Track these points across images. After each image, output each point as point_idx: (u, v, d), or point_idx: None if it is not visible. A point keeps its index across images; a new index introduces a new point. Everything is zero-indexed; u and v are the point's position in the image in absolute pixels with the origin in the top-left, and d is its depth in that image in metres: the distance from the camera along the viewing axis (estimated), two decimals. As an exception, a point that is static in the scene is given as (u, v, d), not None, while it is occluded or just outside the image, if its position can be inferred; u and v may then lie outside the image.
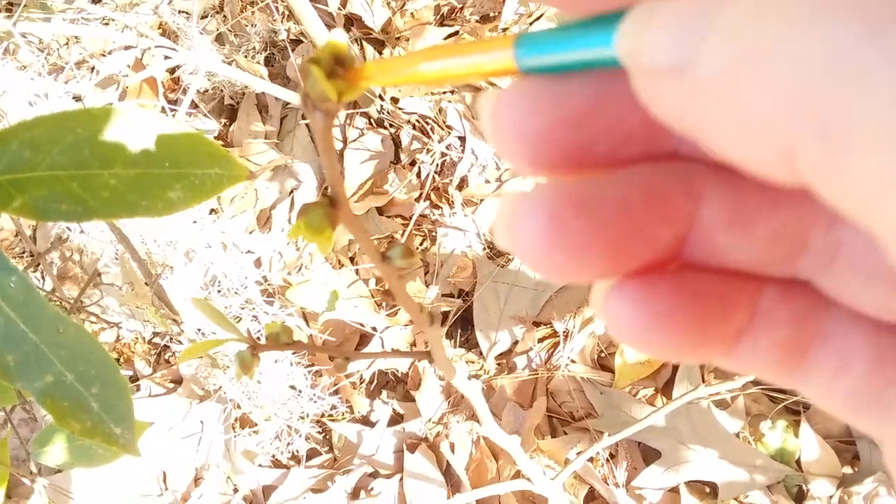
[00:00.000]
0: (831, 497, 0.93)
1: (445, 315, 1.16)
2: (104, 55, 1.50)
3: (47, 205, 0.36)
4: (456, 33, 1.32)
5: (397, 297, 0.28)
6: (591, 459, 1.01)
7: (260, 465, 1.13)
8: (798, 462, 0.96)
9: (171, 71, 1.46)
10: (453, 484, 1.05)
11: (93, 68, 1.46)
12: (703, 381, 1.01)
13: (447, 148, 1.24)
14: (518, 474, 1.02)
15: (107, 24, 1.33)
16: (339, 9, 1.36)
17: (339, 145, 1.32)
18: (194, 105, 1.40)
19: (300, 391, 1.09)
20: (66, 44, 1.53)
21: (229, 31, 1.43)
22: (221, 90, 1.42)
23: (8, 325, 0.33)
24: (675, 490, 0.98)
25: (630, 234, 0.14)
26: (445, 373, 0.38)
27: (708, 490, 0.97)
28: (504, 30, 1.29)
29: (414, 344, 1.15)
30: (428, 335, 0.34)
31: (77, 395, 0.34)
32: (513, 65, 0.15)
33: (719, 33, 0.11)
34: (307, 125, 1.36)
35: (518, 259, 0.14)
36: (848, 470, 0.95)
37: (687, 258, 0.15)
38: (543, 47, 0.14)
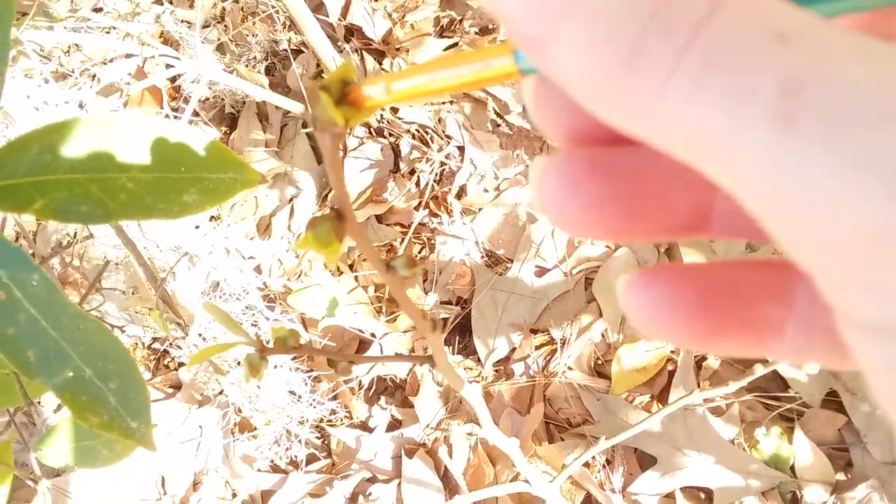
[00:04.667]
0: (825, 503, 0.94)
1: (444, 322, 1.17)
2: (105, 63, 1.52)
3: (67, 207, 0.37)
4: (455, 45, 1.33)
5: (401, 304, 0.29)
6: (587, 465, 1.02)
7: (259, 470, 1.13)
8: (792, 468, 0.97)
9: (173, 80, 1.47)
10: (451, 489, 1.06)
11: (94, 76, 1.48)
12: (700, 389, 1.03)
13: (446, 157, 1.26)
14: (516, 478, 1.03)
15: (108, 32, 1.34)
16: (339, 20, 1.38)
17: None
18: (195, 114, 1.41)
19: (299, 396, 1.10)
20: (68, 52, 1.55)
21: (230, 40, 1.45)
22: (222, 99, 1.43)
23: (29, 321, 0.35)
24: (670, 496, 0.99)
25: (642, 197, 0.15)
26: (447, 377, 0.39)
27: (703, 496, 0.98)
28: (503, 41, 1.31)
29: (413, 350, 1.16)
30: (430, 341, 0.35)
31: (95, 390, 0.35)
32: (514, 68, 0.16)
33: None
34: (307, 134, 1.37)
35: (546, 218, 0.16)
36: (841, 476, 0.96)
37: (717, 230, 0.16)
38: None
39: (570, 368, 1.09)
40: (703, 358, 1.05)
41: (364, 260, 1.26)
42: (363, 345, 1.19)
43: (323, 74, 1.29)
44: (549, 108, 0.16)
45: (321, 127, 0.18)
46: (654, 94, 0.12)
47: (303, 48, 1.41)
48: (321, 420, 1.14)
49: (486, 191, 1.24)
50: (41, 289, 0.35)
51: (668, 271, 0.15)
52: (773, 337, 0.15)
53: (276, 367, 1.07)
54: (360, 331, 1.17)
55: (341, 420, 1.15)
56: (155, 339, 1.24)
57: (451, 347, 1.16)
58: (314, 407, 1.11)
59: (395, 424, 1.14)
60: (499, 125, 1.28)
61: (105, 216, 0.37)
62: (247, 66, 1.42)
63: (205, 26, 1.46)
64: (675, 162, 0.14)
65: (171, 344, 1.17)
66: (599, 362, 1.09)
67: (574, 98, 0.14)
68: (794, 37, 0.12)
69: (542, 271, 1.15)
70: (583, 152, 0.16)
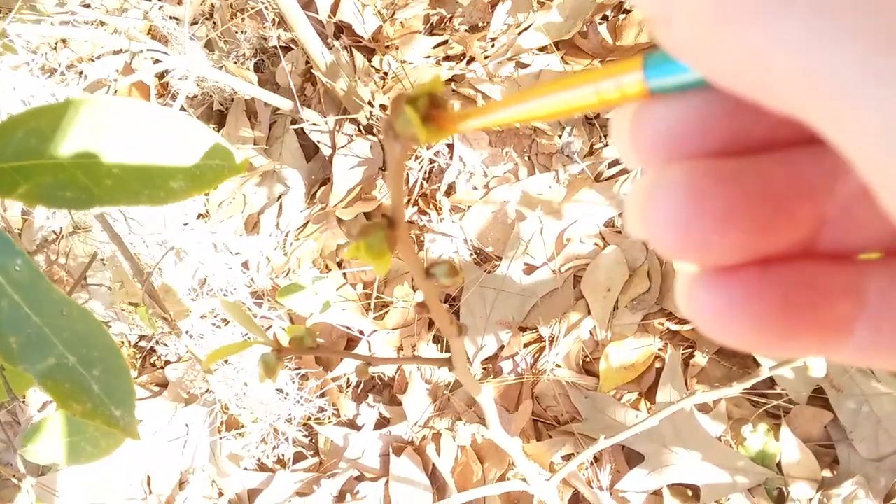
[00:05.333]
0: (811, 500, 0.94)
1: (431, 322, 1.17)
2: (92, 60, 1.51)
3: (52, 192, 0.36)
4: (445, 42, 1.33)
5: (432, 310, 0.29)
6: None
7: (245, 469, 1.13)
8: (779, 465, 0.97)
9: (161, 76, 1.47)
10: (439, 487, 1.06)
11: (81, 72, 1.47)
12: (687, 386, 1.03)
13: (435, 155, 1.26)
14: (503, 477, 1.03)
15: (97, 27, 1.33)
16: (329, 16, 1.37)
17: (328, 151, 1.33)
18: (183, 110, 1.40)
19: (287, 394, 1.10)
20: (55, 47, 1.54)
21: (219, 37, 1.44)
22: (211, 96, 1.43)
23: (12, 307, 0.34)
24: (658, 493, 0.99)
25: (771, 207, 0.14)
26: (464, 381, 0.39)
27: (690, 493, 0.98)
28: (493, 39, 1.31)
29: (401, 348, 1.16)
30: (453, 345, 0.35)
31: (79, 378, 0.35)
32: (642, 88, 0.14)
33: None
34: (296, 131, 1.37)
35: (655, 245, 0.14)
36: (827, 473, 0.96)
37: (824, 246, 0.15)
38: (674, 66, 0.14)
39: (558, 366, 1.09)
40: (691, 355, 1.05)
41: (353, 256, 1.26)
42: (351, 342, 1.18)
43: (312, 71, 1.29)
44: (650, 129, 0.15)
45: (395, 135, 0.17)
46: (766, 28, 0.11)
47: (292, 45, 1.41)
48: (309, 418, 1.14)
49: (475, 188, 1.24)
50: (25, 274, 0.34)
51: (740, 270, 0.14)
52: (841, 337, 0.14)
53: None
54: (349, 328, 1.17)
55: (329, 418, 1.14)
56: (141, 337, 1.23)
57: (439, 345, 1.16)
58: (302, 405, 1.11)
59: (382, 422, 1.14)
60: (488, 123, 1.28)
61: (90, 201, 0.37)
62: (236, 62, 1.41)
63: (193, 23, 1.45)
64: (797, 164, 0.13)
65: (157, 342, 1.16)
66: (587, 360, 1.09)
67: (688, 117, 0.13)
68: None
69: (530, 269, 1.15)
70: (697, 164, 0.14)
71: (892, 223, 0.13)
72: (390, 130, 0.17)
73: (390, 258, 0.21)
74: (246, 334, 1.09)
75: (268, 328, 1.15)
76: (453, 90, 1.31)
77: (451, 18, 1.35)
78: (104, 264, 1.11)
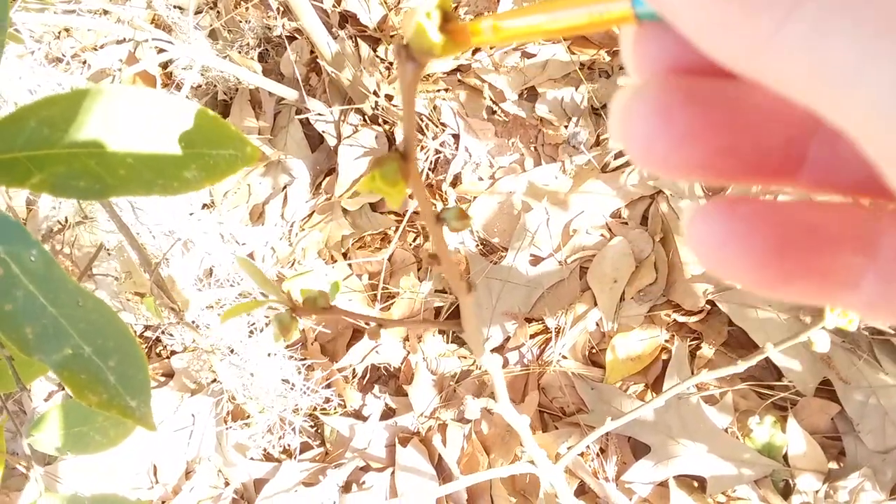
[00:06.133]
0: (817, 491, 0.94)
1: (438, 311, 1.17)
2: (96, 49, 1.50)
3: (65, 181, 0.36)
4: (450, 32, 1.32)
5: (442, 259, 0.29)
6: (581, 454, 1.02)
7: (252, 459, 1.13)
8: (785, 457, 0.97)
9: (165, 65, 1.46)
10: (445, 478, 1.06)
11: (85, 62, 1.46)
12: (693, 375, 1.03)
13: (441, 145, 1.25)
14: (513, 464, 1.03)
15: (100, 15, 1.33)
16: (334, 6, 1.37)
17: (333, 141, 1.32)
18: (188, 100, 1.40)
19: (293, 385, 1.10)
20: (58, 36, 1.53)
21: (223, 26, 1.44)
22: (215, 85, 1.42)
23: (27, 297, 0.34)
24: (664, 484, 0.99)
25: (737, 130, 0.14)
26: (472, 343, 0.39)
27: (696, 484, 0.99)
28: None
29: (407, 338, 1.16)
30: (462, 302, 0.35)
31: (95, 368, 0.35)
32: (630, 12, 0.15)
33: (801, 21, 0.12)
34: (300, 121, 1.36)
35: (628, 153, 0.15)
36: (834, 465, 0.96)
37: (808, 180, 0.15)
38: None
39: (564, 357, 1.09)
40: (698, 347, 1.05)
41: (359, 248, 1.26)
42: (357, 333, 1.18)
43: (318, 61, 1.28)
44: (650, 47, 0.15)
45: (408, 54, 0.17)
46: (776, 26, 0.12)
47: (297, 34, 1.40)
48: (315, 408, 1.14)
49: (480, 179, 1.24)
50: (39, 264, 0.34)
51: (744, 204, 0.14)
52: (848, 287, 0.14)
53: (269, 354, 1.06)
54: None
55: (335, 408, 1.14)
56: (147, 328, 1.23)
57: (445, 336, 1.16)
58: (308, 395, 1.11)
59: (388, 413, 1.14)
60: (494, 113, 1.27)
61: (103, 191, 0.37)
62: (240, 52, 1.40)
63: (197, 12, 1.45)
64: (774, 97, 0.13)
65: (163, 332, 1.16)
66: (594, 351, 1.09)
67: (686, 39, 0.13)
68: None
69: (536, 260, 1.15)
70: (678, 81, 0.15)
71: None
72: (403, 51, 0.17)
73: (404, 188, 0.21)
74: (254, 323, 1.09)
75: (270, 321, 1.15)
76: (459, 80, 1.30)
77: (456, 7, 1.34)
78: (110, 254, 1.11)
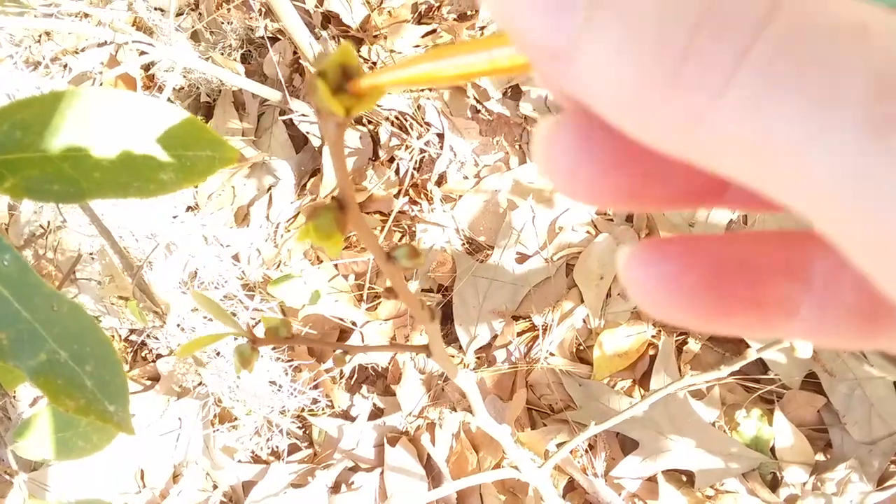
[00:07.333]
0: (805, 483, 0.95)
1: (431, 310, 1.17)
2: (77, 52, 1.49)
3: (39, 185, 0.36)
4: (433, 31, 1.33)
5: (399, 293, 0.29)
6: (570, 451, 1.03)
7: (239, 461, 1.12)
8: (772, 450, 0.98)
9: (146, 68, 1.45)
10: (434, 477, 1.06)
11: (65, 65, 1.45)
12: (681, 373, 1.03)
13: (426, 144, 1.25)
14: (498, 466, 1.03)
15: (80, 18, 1.32)
16: (316, 6, 1.36)
17: (317, 142, 1.32)
18: (170, 102, 1.39)
19: (280, 386, 1.09)
20: (38, 40, 1.52)
21: (205, 28, 1.43)
22: (197, 87, 1.41)
23: (1, 303, 0.34)
24: (652, 479, 0.99)
25: (662, 154, 0.13)
26: (443, 366, 0.39)
27: (685, 478, 0.99)
28: (482, 28, 1.30)
29: (394, 338, 1.16)
30: (427, 330, 0.35)
31: (71, 373, 0.34)
32: (525, 60, 0.14)
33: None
34: (284, 122, 1.36)
35: (553, 184, 0.14)
36: (821, 457, 0.97)
37: (734, 198, 0.15)
38: None
39: (551, 354, 1.09)
40: (684, 342, 1.05)
41: (345, 248, 1.25)
42: (344, 333, 1.18)
43: (301, 61, 1.28)
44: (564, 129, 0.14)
45: (322, 115, 0.17)
46: (708, 104, 0.11)
47: (279, 35, 1.40)
48: (302, 409, 1.14)
49: (466, 178, 1.24)
50: (13, 269, 0.34)
51: (674, 244, 0.14)
52: (785, 317, 0.14)
53: (256, 356, 1.06)
54: (341, 319, 1.16)
55: (323, 409, 1.14)
56: (132, 331, 1.22)
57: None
58: (295, 396, 1.10)
59: (377, 413, 1.14)
60: (478, 112, 1.27)
61: (79, 195, 0.36)
62: (222, 53, 1.40)
63: (178, 14, 1.44)
64: None
65: (148, 336, 1.15)
66: (581, 348, 1.09)
67: (602, 116, 0.13)
68: (877, 28, 0.10)
69: (522, 258, 1.15)
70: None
71: None
72: (318, 111, 0.17)
73: (341, 240, 0.20)
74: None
75: (258, 322, 1.15)
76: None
77: (439, 7, 1.34)
78: (93, 258, 1.10)
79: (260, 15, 1.38)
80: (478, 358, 1.12)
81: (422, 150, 1.25)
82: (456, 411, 1.08)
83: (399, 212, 1.23)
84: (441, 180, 1.24)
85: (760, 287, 0.14)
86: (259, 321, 1.15)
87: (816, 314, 0.14)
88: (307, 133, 1.33)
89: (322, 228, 0.20)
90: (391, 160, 1.27)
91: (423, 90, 1.29)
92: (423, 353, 0.38)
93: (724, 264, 0.14)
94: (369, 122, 1.30)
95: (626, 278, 0.14)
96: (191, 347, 0.36)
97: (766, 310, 0.14)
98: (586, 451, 1.03)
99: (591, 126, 0.14)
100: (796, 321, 0.14)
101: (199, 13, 1.45)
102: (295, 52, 1.37)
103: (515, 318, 1.13)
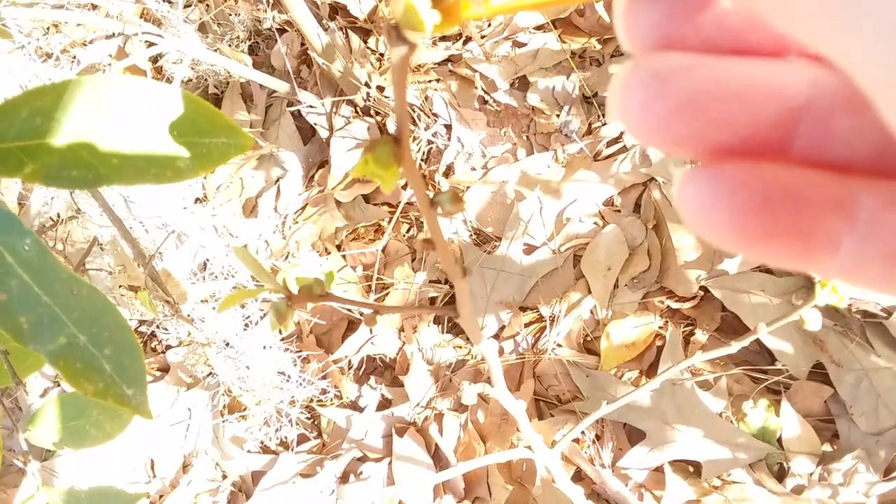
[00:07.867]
0: (811, 474, 0.95)
1: (433, 301, 1.17)
2: (85, 44, 1.49)
3: (58, 171, 0.36)
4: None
5: (436, 244, 0.29)
6: (577, 441, 1.03)
7: (249, 451, 1.13)
8: (779, 440, 0.98)
9: (155, 59, 1.45)
10: (442, 467, 1.06)
11: (74, 57, 1.45)
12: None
13: (433, 136, 1.25)
14: (506, 456, 1.03)
15: (89, 10, 1.32)
16: (324, -3, 1.36)
17: (325, 133, 1.32)
18: (178, 94, 1.39)
19: (289, 377, 1.10)
20: (47, 32, 1.52)
21: (213, 19, 1.43)
22: (205, 79, 1.42)
23: (22, 287, 0.34)
24: (659, 469, 0.99)
25: (730, 101, 0.14)
26: (468, 329, 0.39)
27: (692, 469, 0.99)
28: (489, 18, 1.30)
29: (402, 329, 1.16)
30: (457, 287, 0.35)
31: (90, 357, 0.35)
32: None
33: None
34: (292, 113, 1.36)
35: (624, 124, 0.15)
36: (828, 448, 0.97)
37: (797, 153, 0.15)
38: None
39: (559, 345, 1.10)
40: (692, 333, 1.05)
41: (353, 239, 1.26)
42: (352, 324, 1.18)
43: (308, 53, 1.28)
44: (640, 19, 0.15)
45: (398, 35, 0.17)
46: None
47: (287, 27, 1.40)
48: (311, 400, 1.14)
49: (473, 169, 1.24)
50: (33, 253, 0.34)
51: (729, 167, 0.15)
52: (825, 250, 0.14)
53: (265, 347, 1.07)
54: (349, 310, 1.17)
55: (331, 400, 1.15)
56: (142, 322, 1.23)
57: (440, 326, 1.16)
58: (304, 387, 1.11)
59: (385, 404, 1.14)
60: (486, 102, 1.27)
61: (97, 181, 0.37)
62: (230, 45, 1.40)
63: (186, 5, 1.44)
64: (767, 70, 0.13)
65: (158, 326, 1.16)
66: (588, 339, 1.10)
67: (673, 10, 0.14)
68: None
69: (530, 249, 1.15)
70: (675, 55, 0.15)
71: (873, 138, 0.13)
72: (393, 31, 0.17)
73: (397, 172, 0.21)
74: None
75: (266, 313, 1.15)
76: (450, 70, 1.30)
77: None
78: (103, 249, 1.11)
79: (267, 6, 1.38)
80: (485, 349, 1.13)
81: (429, 142, 1.26)
82: (475, 383, 1.08)
83: (407, 203, 1.23)
84: (448, 171, 1.24)
85: (806, 217, 0.14)
86: (266, 313, 1.16)
87: (856, 253, 0.14)
88: (315, 124, 1.33)
89: (380, 159, 0.20)
90: (399, 152, 1.27)
91: (430, 80, 1.30)
92: (451, 314, 0.38)
93: (774, 190, 0.14)
94: (377, 114, 1.30)
95: (679, 196, 0.15)
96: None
97: (808, 241, 0.14)
98: (593, 441, 1.03)
99: (664, 68, 0.14)
100: (836, 257, 0.15)
101: (207, 4, 1.46)
102: (303, 44, 1.37)
103: (523, 309, 1.13)
